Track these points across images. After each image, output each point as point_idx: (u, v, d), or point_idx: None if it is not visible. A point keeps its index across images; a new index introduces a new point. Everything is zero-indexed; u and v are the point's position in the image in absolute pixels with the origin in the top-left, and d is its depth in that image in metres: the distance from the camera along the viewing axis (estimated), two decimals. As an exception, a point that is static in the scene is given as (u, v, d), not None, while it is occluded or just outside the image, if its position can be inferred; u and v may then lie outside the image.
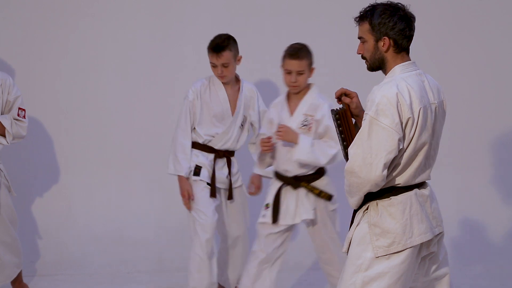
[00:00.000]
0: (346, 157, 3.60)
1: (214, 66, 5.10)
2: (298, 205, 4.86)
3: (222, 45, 5.06)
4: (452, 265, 5.56)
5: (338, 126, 3.60)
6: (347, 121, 3.59)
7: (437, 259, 3.66)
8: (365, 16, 3.52)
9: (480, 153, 6.48)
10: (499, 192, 6.41)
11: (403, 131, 3.39)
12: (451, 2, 6.44)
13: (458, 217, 6.28)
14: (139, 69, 6.29)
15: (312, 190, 4.87)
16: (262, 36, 6.42)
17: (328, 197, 4.89)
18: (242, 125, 5.24)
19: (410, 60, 3.55)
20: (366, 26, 3.51)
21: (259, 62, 6.31)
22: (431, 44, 6.41)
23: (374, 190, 3.44)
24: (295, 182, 4.88)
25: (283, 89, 5.08)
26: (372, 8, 3.52)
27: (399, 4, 3.53)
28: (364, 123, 3.38)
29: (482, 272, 5.78)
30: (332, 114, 3.65)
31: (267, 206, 4.86)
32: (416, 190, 3.54)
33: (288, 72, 4.83)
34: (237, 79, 5.26)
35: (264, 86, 6.24)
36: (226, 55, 5.06)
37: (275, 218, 4.86)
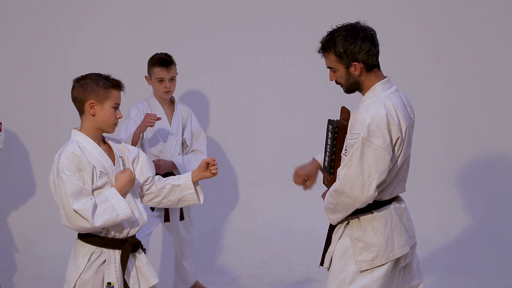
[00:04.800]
0: (329, 170, 3.64)
1: (160, 81, 5.24)
2: None
3: (169, 59, 5.26)
4: (430, 278, 5.67)
5: (334, 139, 3.64)
6: (342, 137, 3.65)
7: (411, 269, 3.77)
8: (327, 47, 3.57)
9: (460, 167, 6.56)
10: (476, 205, 6.48)
11: (393, 150, 3.47)
12: (451, 2, 6.54)
13: (435, 230, 6.35)
14: (128, 82, 6.20)
15: None
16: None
17: None
18: (182, 144, 5.39)
19: (382, 74, 3.64)
20: (333, 56, 3.56)
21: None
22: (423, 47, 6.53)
23: (362, 207, 3.51)
24: None
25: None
26: (332, 37, 3.56)
27: (357, 25, 3.59)
28: (356, 144, 3.44)
29: (462, 285, 5.84)
30: (330, 125, 3.69)
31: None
32: (394, 203, 3.66)
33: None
34: (171, 101, 5.41)
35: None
36: (174, 68, 5.28)
37: None
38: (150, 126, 5.08)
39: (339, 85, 3.66)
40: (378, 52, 3.58)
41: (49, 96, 6.39)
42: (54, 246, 6.06)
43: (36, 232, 6.25)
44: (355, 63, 3.54)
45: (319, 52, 3.63)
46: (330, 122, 3.73)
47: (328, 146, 3.71)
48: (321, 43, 3.60)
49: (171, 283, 5.66)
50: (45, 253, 6.13)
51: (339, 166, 3.62)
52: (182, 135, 5.38)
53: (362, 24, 3.58)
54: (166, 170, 5.23)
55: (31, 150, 6.42)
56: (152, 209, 5.22)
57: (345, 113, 3.74)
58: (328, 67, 3.64)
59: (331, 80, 3.65)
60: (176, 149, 5.31)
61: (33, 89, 6.44)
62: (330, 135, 3.70)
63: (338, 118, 3.81)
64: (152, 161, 5.21)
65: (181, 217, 5.36)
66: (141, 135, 5.16)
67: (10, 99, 6.36)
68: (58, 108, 6.36)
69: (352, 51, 3.52)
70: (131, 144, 5.04)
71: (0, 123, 5.25)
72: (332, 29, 3.59)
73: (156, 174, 5.15)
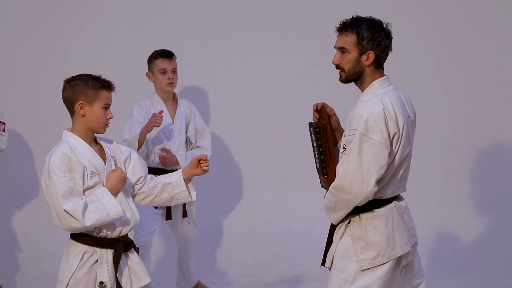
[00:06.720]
0: (322, 171, 3.69)
1: (163, 72, 5.30)
2: None
3: (170, 51, 5.35)
4: (431, 277, 5.72)
5: (317, 139, 3.70)
6: (327, 136, 3.70)
7: (413, 268, 3.80)
8: (352, 27, 3.60)
9: (462, 167, 6.60)
10: (478, 205, 6.54)
11: (391, 145, 3.52)
12: (452, 2, 6.60)
13: (437, 230, 6.41)
14: (128, 82, 6.14)
15: None
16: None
17: None
18: (186, 141, 5.44)
19: (384, 75, 3.69)
20: (353, 37, 3.60)
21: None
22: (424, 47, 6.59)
23: (362, 204, 3.56)
24: None
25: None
26: (358, 20, 3.61)
27: (381, 21, 3.66)
28: (354, 140, 3.48)
29: (461, 284, 5.89)
30: (311, 127, 3.74)
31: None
32: (395, 202, 3.69)
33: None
34: (174, 97, 5.47)
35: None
36: (175, 61, 5.36)
37: None
38: (156, 127, 5.14)
39: (339, 70, 3.65)
40: (388, 55, 3.66)
41: (49, 96, 6.40)
42: (57, 246, 6.00)
43: (38, 232, 6.29)
44: (371, 52, 3.59)
45: (339, 29, 3.63)
46: (310, 124, 3.77)
47: (315, 148, 3.74)
48: (343, 22, 3.62)
49: (173, 282, 5.73)
50: (47, 253, 6.17)
51: (330, 165, 3.68)
52: (186, 132, 5.42)
53: (385, 25, 3.65)
54: (171, 163, 5.26)
55: (34, 150, 6.46)
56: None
57: (323, 112, 3.78)
58: (339, 48, 3.63)
59: (334, 63, 3.65)
60: (180, 147, 5.35)
61: (33, 89, 6.49)
62: (313, 137, 3.73)
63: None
64: (159, 152, 5.26)
65: (184, 214, 5.39)
66: None
67: (10, 99, 6.40)
68: (58, 108, 6.31)
69: (375, 39, 3.57)
70: (138, 145, 5.09)
71: (4, 124, 5.30)
72: (356, 15, 3.63)
73: (162, 165, 5.24)
